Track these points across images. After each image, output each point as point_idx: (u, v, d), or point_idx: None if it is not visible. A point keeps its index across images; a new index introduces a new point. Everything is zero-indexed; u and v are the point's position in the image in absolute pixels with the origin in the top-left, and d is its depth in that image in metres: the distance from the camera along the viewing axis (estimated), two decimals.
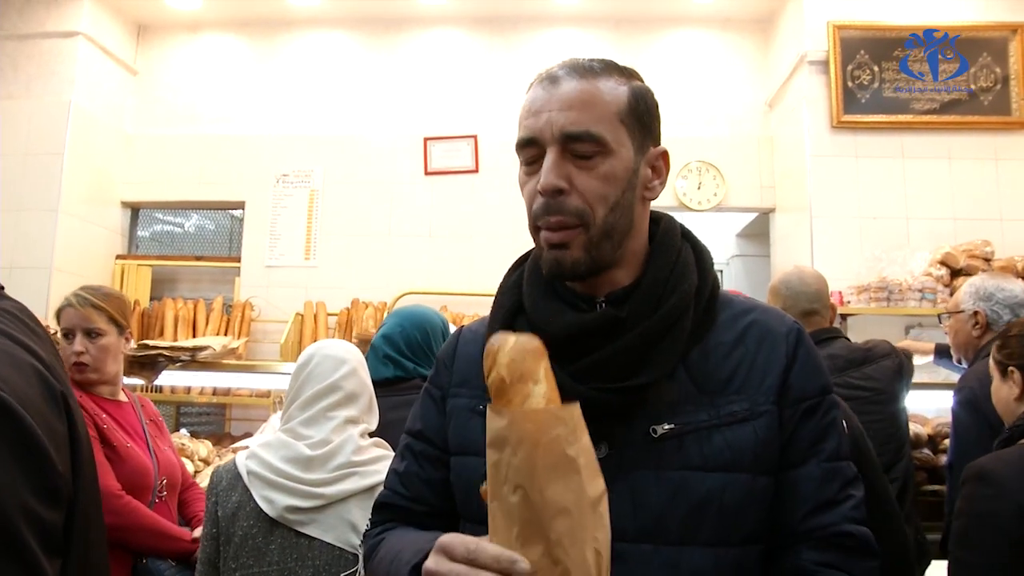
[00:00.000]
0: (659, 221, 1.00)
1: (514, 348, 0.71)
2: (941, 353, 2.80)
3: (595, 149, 0.88)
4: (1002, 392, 1.72)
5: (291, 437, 1.60)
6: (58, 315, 2.04)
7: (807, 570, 0.86)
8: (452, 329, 2.16)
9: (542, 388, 0.70)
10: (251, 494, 1.56)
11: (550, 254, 0.90)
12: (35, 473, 0.62)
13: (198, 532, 2.01)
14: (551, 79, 0.91)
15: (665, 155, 0.96)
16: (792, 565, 0.87)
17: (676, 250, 0.95)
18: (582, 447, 0.68)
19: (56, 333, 2.12)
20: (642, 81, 0.96)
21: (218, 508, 1.60)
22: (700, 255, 0.97)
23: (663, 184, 0.96)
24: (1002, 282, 2.28)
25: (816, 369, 0.93)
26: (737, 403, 0.88)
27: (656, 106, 0.96)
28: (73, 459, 0.69)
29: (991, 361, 1.77)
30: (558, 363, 0.87)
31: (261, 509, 1.55)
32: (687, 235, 1.00)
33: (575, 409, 0.69)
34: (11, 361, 0.67)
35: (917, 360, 2.98)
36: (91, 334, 2.00)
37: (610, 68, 0.92)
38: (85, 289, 2.07)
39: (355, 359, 1.70)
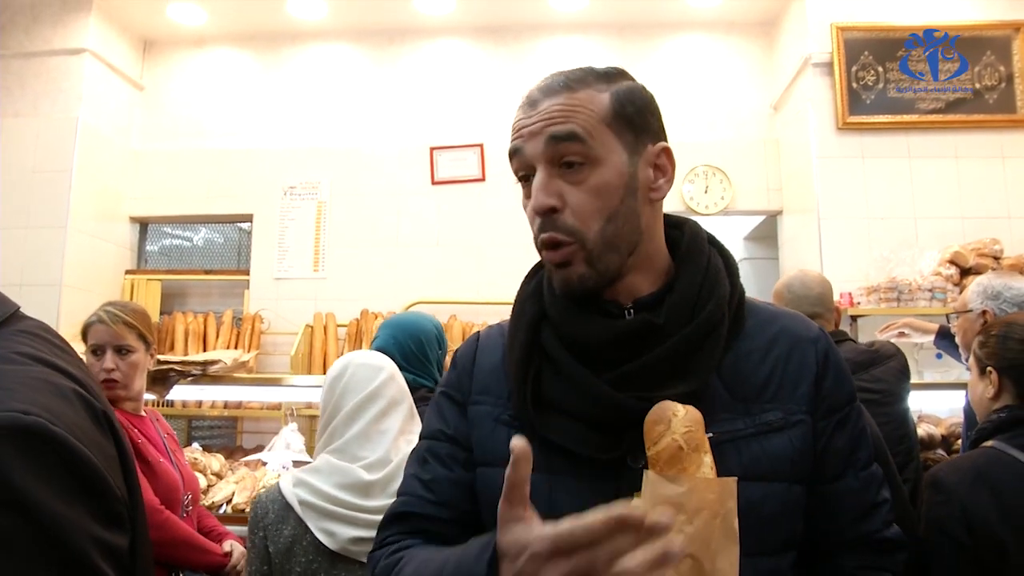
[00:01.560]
0: (682, 226, 0.98)
1: (688, 417, 0.73)
2: (944, 335, 2.77)
3: (582, 157, 0.86)
4: (978, 389, 1.72)
5: (345, 460, 1.49)
6: (85, 330, 2.00)
7: (850, 574, 0.89)
8: (444, 335, 2.14)
9: (710, 459, 0.72)
10: (307, 526, 1.46)
11: (557, 274, 0.90)
12: (99, 502, 0.62)
13: (227, 546, 2.03)
14: (530, 102, 0.89)
15: (667, 151, 0.92)
16: (833, 571, 0.90)
17: (706, 256, 0.94)
18: (736, 519, 0.69)
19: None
20: (629, 79, 0.93)
21: (268, 543, 1.47)
22: (727, 261, 0.96)
23: (669, 182, 0.92)
24: (1009, 280, 2.27)
25: (845, 377, 0.93)
26: (771, 412, 0.87)
27: (649, 101, 0.92)
28: (126, 478, 0.69)
29: (972, 356, 1.76)
30: (592, 370, 0.86)
31: (320, 542, 1.44)
32: (712, 241, 0.99)
33: (736, 482, 0.71)
34: (55, 391, 0.65)
35: (918, 339, 2.98)
36: (122, 351, 1.97)
37: (589, 76, 0.89)
38: (114, 305, 2.03)
39: (390, 366, 1.64)
